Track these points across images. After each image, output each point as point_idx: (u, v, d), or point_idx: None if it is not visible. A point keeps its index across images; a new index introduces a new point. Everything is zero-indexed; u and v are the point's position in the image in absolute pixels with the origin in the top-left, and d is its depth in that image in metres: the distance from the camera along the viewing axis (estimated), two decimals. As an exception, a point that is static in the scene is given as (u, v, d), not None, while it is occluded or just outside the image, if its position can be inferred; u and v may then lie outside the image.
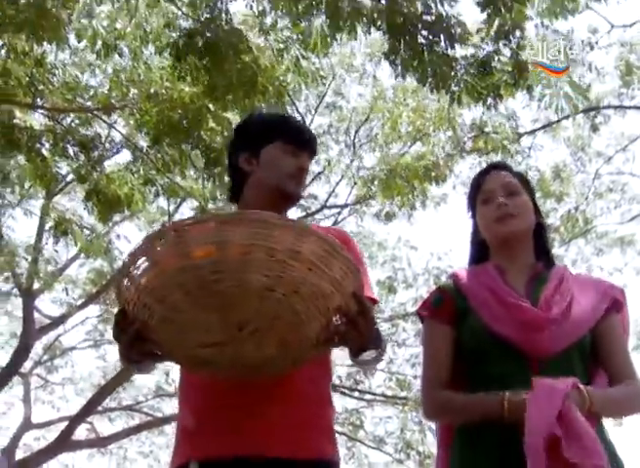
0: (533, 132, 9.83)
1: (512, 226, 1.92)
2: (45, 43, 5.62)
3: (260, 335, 1.44)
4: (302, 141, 1.95)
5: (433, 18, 4.89)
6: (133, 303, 1.47)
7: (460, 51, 5.11)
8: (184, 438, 1.74)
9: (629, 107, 9.75)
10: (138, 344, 1.53)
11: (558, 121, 9.65)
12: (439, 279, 11.08)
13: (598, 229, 11.35)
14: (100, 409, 12.17)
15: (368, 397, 12.73)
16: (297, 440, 1.66)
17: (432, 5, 4.88)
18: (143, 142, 7.29)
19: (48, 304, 12.58)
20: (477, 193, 2.02)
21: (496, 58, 5.15)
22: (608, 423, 1.81)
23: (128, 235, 9.78)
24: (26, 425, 12.67)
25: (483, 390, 1.76)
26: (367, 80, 10.90)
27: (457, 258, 11.65)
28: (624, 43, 9.28)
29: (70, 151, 6.77)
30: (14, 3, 5.25)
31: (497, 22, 5.00)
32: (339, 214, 11.58)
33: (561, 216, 10.63)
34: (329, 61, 9.34)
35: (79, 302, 12.12)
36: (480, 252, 2.03)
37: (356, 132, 10.93)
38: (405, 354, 12.14)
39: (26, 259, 10.86)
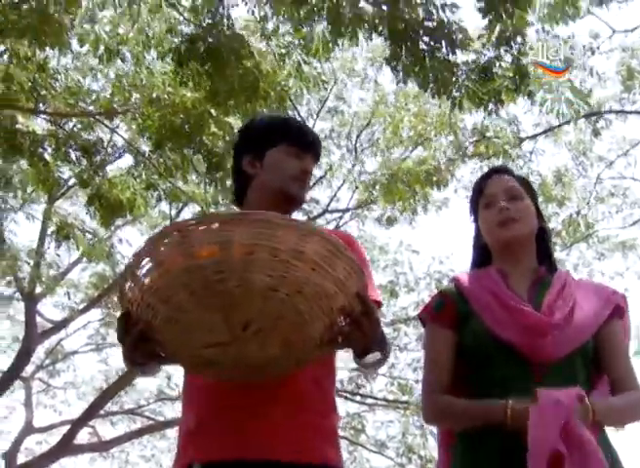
0: (534, 136, 9.80)
1: (514, 230, 1.92)
2: (47, 48, 5.61)
3: (263, 335, 1.43)
4: (306, 144, 1.94)
5: (435, 24, 4.90)
6: (136, 304, 1.46)
7: (461, 56, 5.14)
8: (187, 440, 1.73)
9: (631, 112, 9.73)
10: (141, 345, 1.52)
11: (559, 126, 9.62)
12: (441, 283, 11.06)
13: (600, 234, 11.32)
14: (101, 412, 12.15)
15: (369, 401, 12.72)
16: (300, 442, 1.65)
17: (434, 11, 4.89)
18: (146, 147, 7.30)
19: (50, 308, 12.62)
20: (479, 197, 2.01)
21: (497, 64, 5.16)
22: (609, 428, 1.81)
23: (130, 239, 9.83)
24: (28, 429, 12.63)
25: (484, 394, 1.76)
26: (368, 85, 10.95)
27: (458, 262, 11.70)
28: (626, 48, 9.26)
29: (72, 156, 6.79)
30: (16, 8, 5.26)
31: (498, 28, 5.01)
32: (340, 218, 11.60)
33: (563, 221, 10.60)
34: (330, 66, 9.34)
35: (81, 306, 12.11)
36: (482, 256, 2.02)
37: (358, 136, 10.94)
38: (407, 358, 12.18)
39: (29, 263, 10.86)
